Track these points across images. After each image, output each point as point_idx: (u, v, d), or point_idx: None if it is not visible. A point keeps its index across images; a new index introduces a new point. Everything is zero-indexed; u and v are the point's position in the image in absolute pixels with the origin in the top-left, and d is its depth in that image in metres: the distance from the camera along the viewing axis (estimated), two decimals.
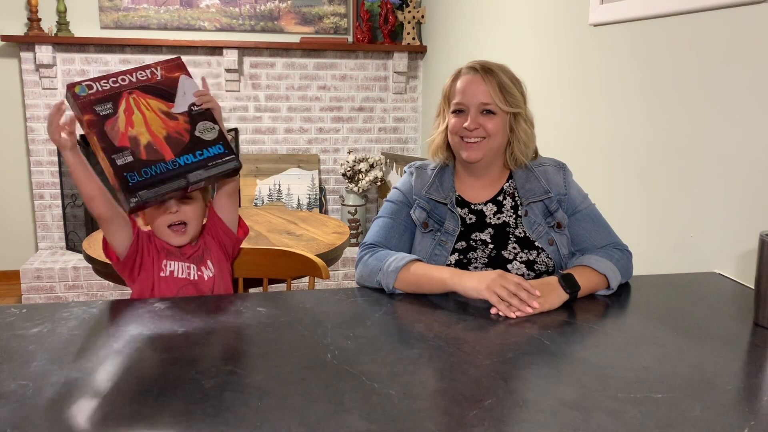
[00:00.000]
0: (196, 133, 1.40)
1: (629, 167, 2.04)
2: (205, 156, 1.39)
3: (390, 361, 1.06)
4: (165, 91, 1.41)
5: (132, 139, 1.35)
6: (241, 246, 1.69)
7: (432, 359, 1.07)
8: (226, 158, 1.42)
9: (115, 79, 1.39)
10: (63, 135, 1.33)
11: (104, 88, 1.37)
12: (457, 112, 1.49)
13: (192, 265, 1.55)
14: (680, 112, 1.80)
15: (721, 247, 1.65)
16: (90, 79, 1.38)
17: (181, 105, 1.42)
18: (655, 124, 1.91)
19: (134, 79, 1.40)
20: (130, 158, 1.33)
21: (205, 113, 1.43)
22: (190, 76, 1.45)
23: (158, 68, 1.43)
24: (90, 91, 1.36)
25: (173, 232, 1.51)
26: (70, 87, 1.35)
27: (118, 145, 1.34)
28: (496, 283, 1.28)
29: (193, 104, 1.43)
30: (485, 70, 1.47)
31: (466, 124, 1.46)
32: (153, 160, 1.35)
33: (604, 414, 0.89)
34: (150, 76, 1.41)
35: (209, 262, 1.57)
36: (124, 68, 3.89)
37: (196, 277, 1.55)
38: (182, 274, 1.54)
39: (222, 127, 1.45)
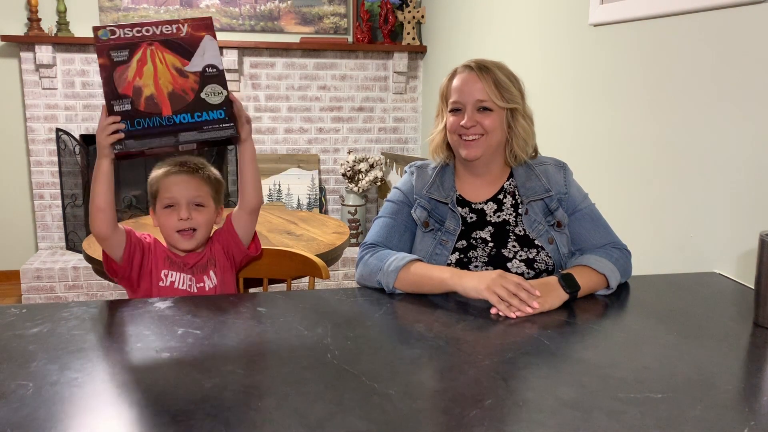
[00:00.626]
0: (202, 95, 1.38)
1: (629, 167, 2.04)
2: (203, 119, 1.37)
3: (390, 361, 1.06)
4: (185, 48, 1.39)
5: (136, 89, 1.35)
6: None
7: (432, 359, 1.07)
8: (224, 125, 1.39)
9: (140, 28, 1.38)
10: (110, 140, 1.33)
11: (126, 35, 1.37)
12: (455, 110, 1.50)
13: (192, 278, 1.54)
14: (680, 112, 1.80)
15: (721, 247, 1.65)
16: (116, 25, 1.38)
17: (196, 64, 1.39)
18: (655, 124, 1.91)
19: (158, 32, 1.38)
20: (128, 107, 1.34)
21: (217, 76, 1.40)
22: (215, 38, 1.41)
23: (185, 25, 1.40)
24: (112, 37, 1.36)
25: (182, 237, 1.51)
26: (95, 29, 1.36)
27: (121, 92, 1.35)
28: (496, 283, 1.28)
29: (209, 65, 1.40)
30: (480, 68, 1.48)
31: (463, 122, 1.47)
32: (149, 113, 1.35)
33: (604, 414, 0.89)
34: (175, 31, 1.39)
35: (212, 273, 1.56)
36: None
37: (195, 290, 1.54)
38: (182, 285, 1.53)
39: (232, 96, 1.41)
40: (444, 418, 0.88)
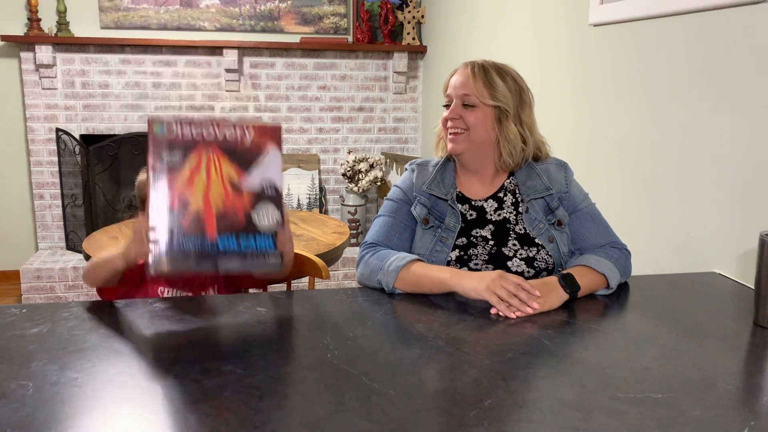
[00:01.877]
0: (253, 217, 1.25)
1: (629, 167, 2.04)
2: (249, 247, 1.25)
3: (390, 361, 1.06)
4: (245, 159, 1.25)
5: (183, 202, 1.22)
6: None
7: (432, 359, 1.07)
8: (270, 255, 1.27)
9: (199, 127, 1.23)
10: (142, 257, 1.23)
11: (184, 133, 1.22)
12: (447, 105, 1.53)
13: (191, 294, 1.49)
14: (680, 112, 1.80)
15: (721, 247, 1.65)
16: (175, 118, 1.23)
17: (254, 180, 1.26)
18: (654, 125, 1.91)
19: (221, 135, 1.23)
20: (171, 222, 1.22)
21: (275, 198, 1.27)
22: (281, 150, 1.29)
23: (251, 130, 1.25)
24: (168, 133, 1.21)
25: None
26: (151, 121, 1.21)
27: (167, 203, 1.22)
28: (495, 284, 1.28)
29: (268, 184, 1.27)
30: (475, 65, 1.50)
31: (447, 114, 1.50)
32: (192, 233, 1.22)
33: (604, 414, 0.89)
34: (239, 137, 1.24)
35: (211, 291, 1.53)
36: (123, 68, 3.92)
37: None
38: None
39: (285, 216, 1.29)
40: (444, 418, 0.88)
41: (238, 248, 1.24)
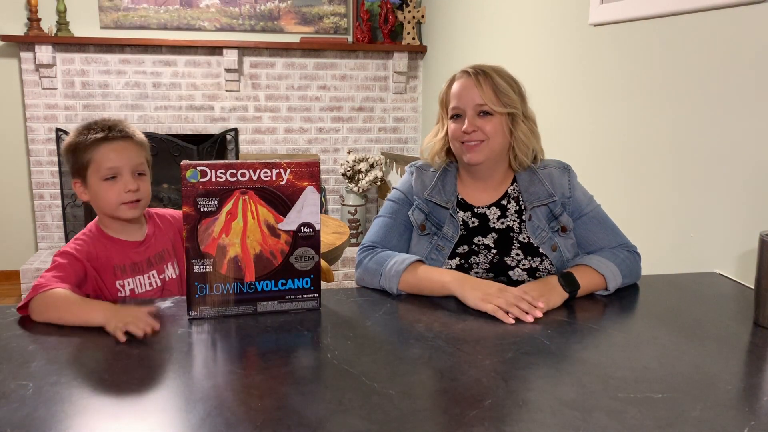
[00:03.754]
0: (291, 259, 1.26)
1: (629, 167, 2.04)
2: (287, 287, 1.27)
3: (390, 361, 1.06)
4: (282, 200, 1.24)
5: (220, 248, 1.22)
6: None
7: (432, 359, 1.07)
8: (307, 295, 1.29)
9: (234, 171, 1.21)
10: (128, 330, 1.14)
11: (219, 179, 1.20)
12: (455, 117, 1.49)
13: (152, 272, 1.45)
14: (680, 112, 1.80)
15: (721, 247, 1.65)
16: (208, 164, 1.20)
17: (291, 221, 1.25)
18: (654, 124, 1.91)
19: (255, 177, 1.22)
20: (209, 268, 1.22)
21: (312, 237, 1.27)
22: (319, 189, 1.26)
23: (287, 170, 1.23)
24: (202, 179, 1.19)
25: (128, 207, 1.40)
26: (184, 167, 1.19)
27: (203, 250, 1.21)
28: (495, 298, 1.27)
29: (305, 224, 1.26)
30: (478, 73, 1.46)
31: (464, 128, 1.45)
32: (230, 278, 1.24)
33: (604, 414, 0.89)
34: (275, 178, 1.23)
35: (170, 264, 1.49)
36: (123, 68, 3.92)
37: (158, 283, 1.45)
38: (141, 288, 1.44)
39: (319, 258, 1.30)
40: (444, 418, 0.88)
41: (276, 288, 1.27)
